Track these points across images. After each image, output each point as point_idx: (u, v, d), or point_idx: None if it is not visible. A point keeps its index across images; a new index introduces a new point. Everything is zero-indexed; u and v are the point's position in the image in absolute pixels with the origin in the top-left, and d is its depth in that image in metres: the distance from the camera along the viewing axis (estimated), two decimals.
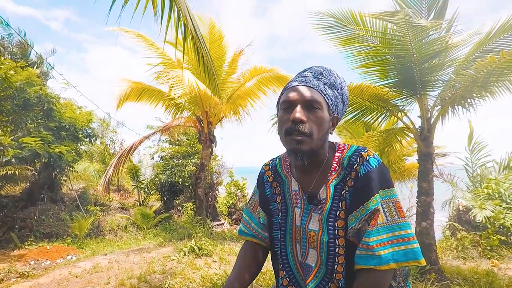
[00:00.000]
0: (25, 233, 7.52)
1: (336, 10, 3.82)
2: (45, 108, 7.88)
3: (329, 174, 0.98)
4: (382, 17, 3.34)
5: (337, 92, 0.99)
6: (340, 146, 1.03)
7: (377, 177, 0.91)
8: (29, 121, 7.72)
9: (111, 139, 14.47)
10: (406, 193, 8.53)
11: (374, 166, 0.92)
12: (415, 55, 3.46)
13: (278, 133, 1.00)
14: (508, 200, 6.32)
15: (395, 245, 0.86)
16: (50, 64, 11.10)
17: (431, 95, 4.00)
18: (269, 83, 7.22)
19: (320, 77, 0.98)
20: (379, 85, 4.04)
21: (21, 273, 4.93)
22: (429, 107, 4.04)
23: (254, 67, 7.23)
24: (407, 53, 3.51)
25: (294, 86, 0.96)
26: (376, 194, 0.89)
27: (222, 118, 7.86)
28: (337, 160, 0.99)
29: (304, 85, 0.95)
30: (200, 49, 2.78)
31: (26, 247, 6.88)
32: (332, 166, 0.99)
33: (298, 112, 0.90)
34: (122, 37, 6.51)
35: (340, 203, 0.94)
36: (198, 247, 5.11)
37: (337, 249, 0.94)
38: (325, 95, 0.94)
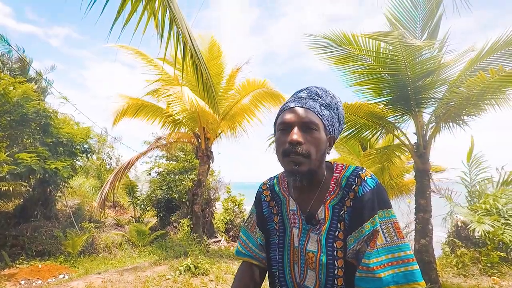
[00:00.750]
0: (17, 251, 7.32)
1: (330, 32, 3.91)
2: (42, 123, 7.84)
3: (327, 194, 0.98)
4: (376, 37, 3.43)
5: (333, 112, 1.00)
6: (338, 166, 1.03)
7: (375, 198, 0.91)
8: (25, 137, 7.66)
9: (108, 155, 14.39)
10: (404, 208, 8.50)
11: (372, 187, 0.92)
12: (409, 74, 3.53)
13: (276, 154, 1.00)
14: (506, 216, 6.28)
15: (395, 267, 0.85)
16: (47, 80, 11.15)
17: (425, 112, 4.07)
18: (263, 99, 7.28)
19: (316, 98, 0.99)
20: (374, 103, 4.09)
21: None
22: (424, 124, 4.08)
23: (247, 81, 7.29)
24: (401, 72, 3.58)
25: (291, 107, 0.97)
26: (375, 215, 0.89)
27: (219, 134, 7.87)
28: (335, 180, 0.99)
29: (301, 107, 0.95)
30: (199, 67, 2.81)
31: (17, 265, 6.69)
32: (330, 186, 0.99)
33: (295, 134, 0.90)
34: (122, 54, 6.60)
35: (338, 224, 0.94)
36: (195, 266, 4.99)
37: (336, 270, 0.93)
38: (321, 116, 0.95)
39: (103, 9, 1.99)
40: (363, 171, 0.96)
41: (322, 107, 0.97)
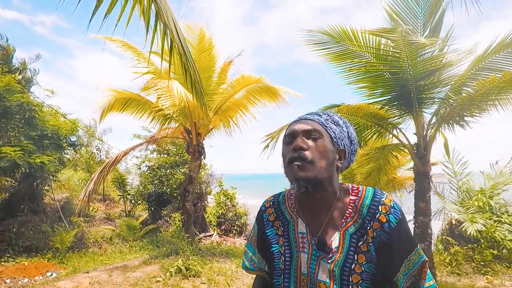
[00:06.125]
0: (3, 247, 7.11)
1: (328, 26, 3.70)
2: (26, 116, 7.54)
3: (343, 220, 0.91)
4: (379, 33, 3.23)
5: (342, 129, 0.98)
6: (354, 188, 0.96)
7: (408, 227, 0.89)
8: (10, 130, 7.36)
9: (97, 147, 14.04)
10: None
11: (400, 214, 0.88)
12: (411, 72, 3.36)
13: (283, 167, 0.97)
14: (499, 213, 6.29)
15: None
16: (32, 70, 10.69)
17: (426, 112, 3.91)
18: (258, 94, 7.06)
19: (322, 114, 1.00)
20: (373, 102, 3.93)
21: None
22: (425, 124, 3.94)
23: (242, 76, 7.03)
24: (402, 70, 3.41)
25: (296, 121, 0.99)
26: (419, 245, 0.88)
27: (211, 130, 7.63)
28: (352, 204, 0.92)
29: (305, 119, 0.97)
30: (187, 65, 2.60)
31: (3, 263, 6.50)
32: (347, 211, 0.92)
33: (298, 140, 0.91)
34: (110, 44, 6.24)
35: (356, 255, 0.86)
36: (186, 268, 4.85)
37: None
38: (326, 127, 0.94)
39: None
40: (385, 196, 0.91)
41: (328, 121, 0.97)
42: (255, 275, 1.17)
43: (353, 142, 1.01)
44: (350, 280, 0.84)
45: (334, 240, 0.89)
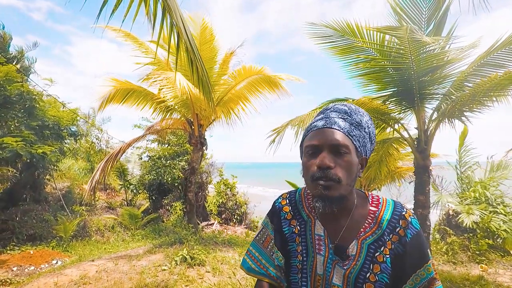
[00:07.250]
0: (7, 235, 7.21)
1: (332, 21, 3.71)
2: (27, 106, 7.53)
3: (362, 229, 0.92)
4: (384, 31, 3.25)
5: (364, 131, 0.93)
6: (374, 199, 0.97)
7: (424, 242, 0.89)
8: (9, 120, 7.36)
9: (97, 137, 14.02)
10: (394, 192, 8.71)
11: (418, 228, 0.90)
12: (414, 68, 3.40)
13: (303, 177, 0.93)
14: (494, 204, 6.43)
15: None
16: (29, 59, 10.57)
17: (428, 107, 3.97)
18: (259, 85, 7.06)
19: (345, 117, 0.93)
20: (377, 96, 3.97)
21: (3, 281, 4.75)
22: (426, 119, 4.00)
23: (243, 67, 6.99)
24: (406, 66, 3.45)
25: (319, 128, 0.91)
26: (430, 261, 0.87)
27: (213, 121, 7.67)
28: (372, 216, 0.93)
29: (329, 127, 0.89)
30: (194, 62, 2.62)
31: (8, 251, 6.61)
32: (366, 222, 0.93)
33: (325, 158, 0.85)
34: (110, 32, 6.16)
35: (371, 265, 0.88)
36: (191, 257, 4.98)
37: None
38: (352, 137, 0.89)
39: None
40: (405, 210, 0.92)
41: (353, 127, 0.91)
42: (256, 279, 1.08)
43: (372, 142, 0.99)
44: (364, 287, 0.87)
45: (352, 248, 0.91)
